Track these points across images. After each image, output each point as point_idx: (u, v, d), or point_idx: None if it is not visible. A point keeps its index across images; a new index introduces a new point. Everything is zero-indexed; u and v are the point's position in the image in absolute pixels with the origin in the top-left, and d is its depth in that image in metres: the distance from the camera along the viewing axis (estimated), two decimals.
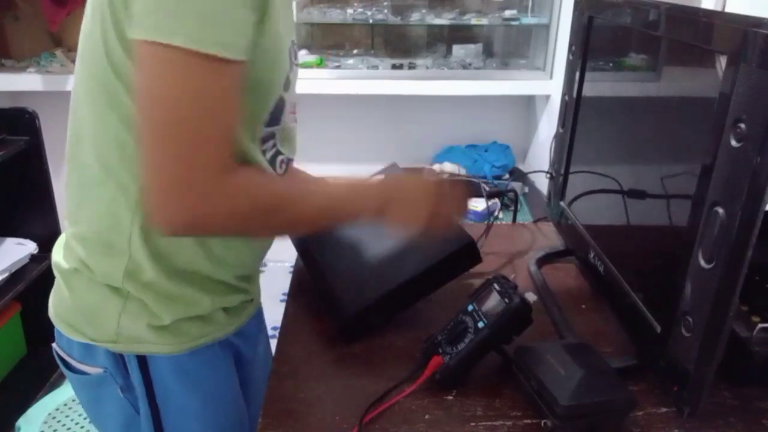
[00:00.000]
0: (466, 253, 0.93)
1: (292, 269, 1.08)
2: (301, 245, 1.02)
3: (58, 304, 0.81)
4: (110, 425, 0.86)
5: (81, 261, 0.77)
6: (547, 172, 1.16)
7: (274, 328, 0.99)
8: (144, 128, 0.62)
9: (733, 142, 0.57)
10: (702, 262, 0.62)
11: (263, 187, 0.71)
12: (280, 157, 0.82)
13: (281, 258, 2.75)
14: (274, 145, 0.79)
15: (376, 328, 0.89)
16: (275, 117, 0.76)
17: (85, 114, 0.72)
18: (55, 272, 0.82)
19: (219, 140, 0.62)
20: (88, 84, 0.70)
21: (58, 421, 1.65)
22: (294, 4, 0.84)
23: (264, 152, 0.77)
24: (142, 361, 0.79)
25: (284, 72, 0.74)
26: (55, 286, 0.82)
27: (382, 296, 0.86)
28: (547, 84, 2.21)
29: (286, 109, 0.78)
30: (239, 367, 0.91)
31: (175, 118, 0.60)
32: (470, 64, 2.30)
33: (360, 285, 0.89)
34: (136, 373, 0.79)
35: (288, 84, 0.76)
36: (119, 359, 0.79)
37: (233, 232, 0.74)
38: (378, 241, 1.00)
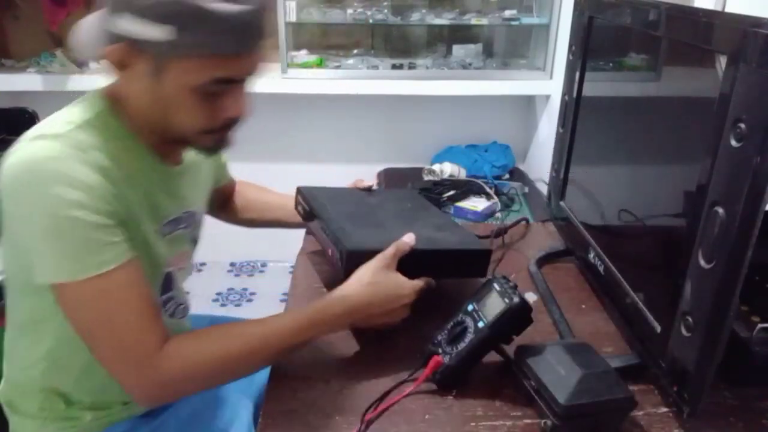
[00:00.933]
0: (479, 258, 0.96)
1: (292, 269, 1.08)
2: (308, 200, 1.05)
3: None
4: None
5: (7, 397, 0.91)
6: (548, 184, 1.16)
7: None
8: (83, 337, 0.76)
9: (733, 142, 0.57)
10: (702, 262, 0.62)
11: (196, 347, 0.78)
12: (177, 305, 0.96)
13: (281, 258, 2.75)
14: (171, 299, 0.92)
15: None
16: (166, 287, 0.90)
17: (11, 290, 0.85)
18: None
19: (137, 328, 0.74)
20: (6, 267, 0.83)
21: None
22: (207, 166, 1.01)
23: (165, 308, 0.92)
24: None
25: (161, 258, 0.85)
26: None
27: (381, 251, 0.87)
28: (547, 84, 2.21)
29: (176, 281, 0.92)
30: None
31: (94, 330, 0.75)
32: (470, 64, 2.29)
33: (368, 235, 0.93)
34: None
35: (168, 261, 0.88)
36: None
37: (197, 389, 0.83)
38: (396, 214, 1.04)
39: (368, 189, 1.14)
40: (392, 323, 0.86)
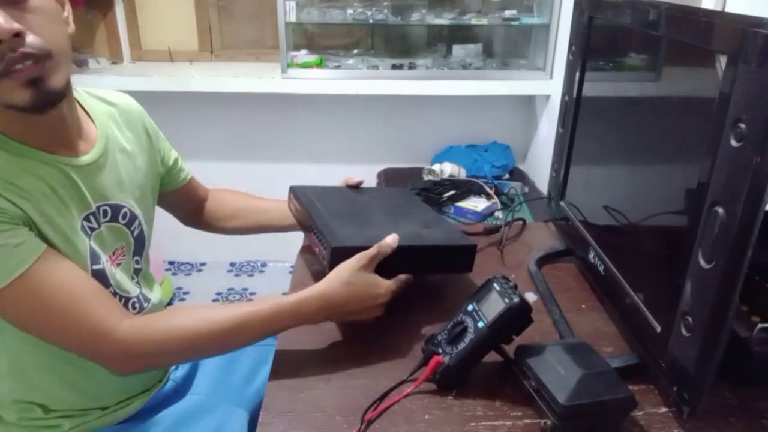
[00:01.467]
0: (463, 253, 0.97)
1: (292, 269, 1.08)
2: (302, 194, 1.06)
3: None
4: None
5: None
6: (548, 197, 1.16)
7: None
8: (39, 336, 0.77)
9: (733, 142, 0.57)
10: (702, 262, 0.62)
11: (168, 323, 0.80)
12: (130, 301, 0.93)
13: (281, 258, 2.75)
14: (114, 294, 0.89)
15: (375, 328, 0.89)
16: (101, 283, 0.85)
17: None
18: None
19: (84, 303, 0.76)
20: None
21: None
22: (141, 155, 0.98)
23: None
24: None
25: (81, 252, 0.82)
26: None
27: (368, 247, 0.88)
28: (547, 84, 2.21)
29: (111, 277, 0.87)
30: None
31: (43, 324, 0.76)
32: (470, 64, 2.29)
33: (354, 232, 0.93)
34: None
35: (97, 257, 0.85)
36: None
37: (169, 362, 0.86)
38: (385, 212, 1.05)
39: (357, 186, 1.15)
40: (366, 321, 0.88)
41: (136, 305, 0.93)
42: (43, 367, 0.85)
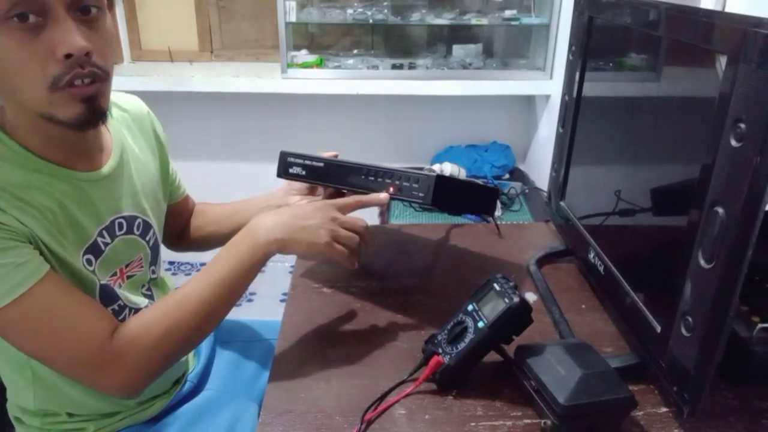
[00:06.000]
0: (489, 195, 1.01)
1: (292, 269, 1.08)
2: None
3: None
4: None
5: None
6: (548, 197, 1.16)
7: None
8: (35, 358, 0.77)
9: (733, 142, 0.57)
10: (702, 262, 0.62)
11: (144, 322, 0.78)
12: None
13: (281, 258, 2.75)
14: (123, 308, 0.88)
15: (373, 328, 0.89)
16: (107, 299, 0.85)
17: None
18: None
19: (79, 332, 0.74)
20: None
21: None
22: (137, 170, 0.94)
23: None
24: None
25: (85, 277, 0.81)
26: None
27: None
28: (547, 84, 2.21)
29: (119, 290, 0.87)
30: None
31: (39, 348, 0.74)
32: (470, 64, 2.30)
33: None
34: None
35: (106, 270, 0.85)
36: None
37: (167, 362, 0.80)
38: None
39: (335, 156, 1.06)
40: (334, 252, 0.82)
41: None
42: (64, 378, 0.84)
